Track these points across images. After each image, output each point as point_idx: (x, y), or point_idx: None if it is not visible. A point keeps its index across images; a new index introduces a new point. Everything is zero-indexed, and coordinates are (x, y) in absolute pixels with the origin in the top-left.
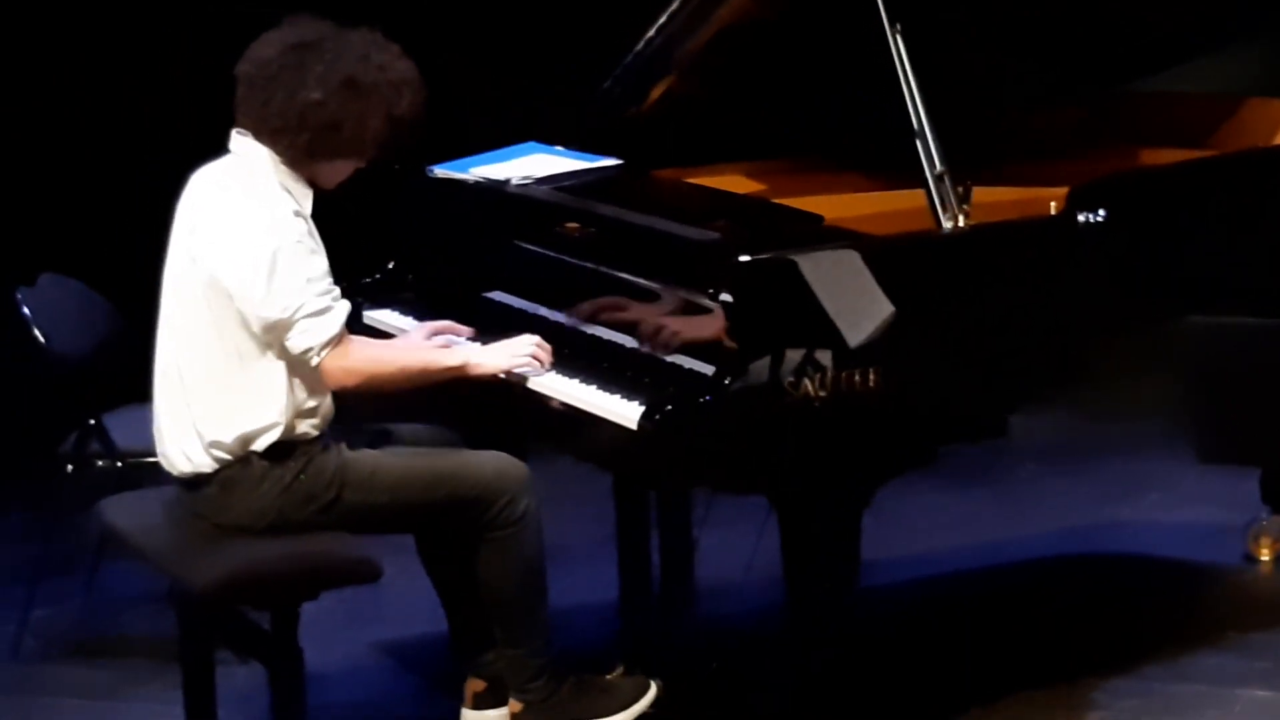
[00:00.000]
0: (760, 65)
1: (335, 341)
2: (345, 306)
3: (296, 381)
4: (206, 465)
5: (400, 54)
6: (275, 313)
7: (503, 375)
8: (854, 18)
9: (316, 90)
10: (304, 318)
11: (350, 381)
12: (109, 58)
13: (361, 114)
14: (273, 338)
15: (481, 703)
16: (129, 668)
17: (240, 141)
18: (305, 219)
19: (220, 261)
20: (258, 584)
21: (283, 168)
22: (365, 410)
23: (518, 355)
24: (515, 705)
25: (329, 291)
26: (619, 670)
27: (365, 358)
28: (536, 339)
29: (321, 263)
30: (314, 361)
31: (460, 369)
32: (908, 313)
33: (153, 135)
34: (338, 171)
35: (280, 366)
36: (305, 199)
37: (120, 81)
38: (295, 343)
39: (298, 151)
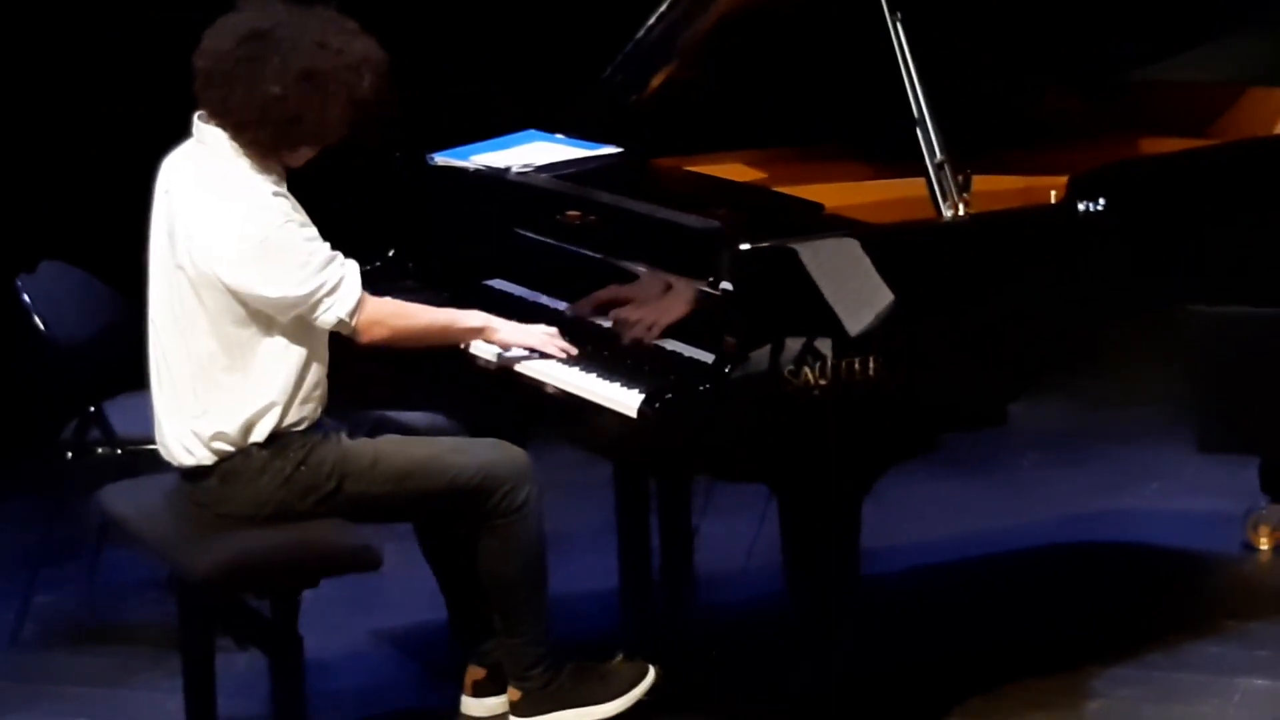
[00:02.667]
0: (761, 53)
1: (361, 303)
2: (354, 266)
3: (294, 360)
4: (206, 458)
5: (358, 31)
6: (290, 291)
7: (511, 352)
8: (855, 5)
9: (275, 84)
10: (324, 295)
11: (381, 334)
12: (109, 44)
13: (322, 104)
14: (293, 319)
15: (481, 690)
16: (130, 654)
17: (204, 129)
18: (285, 195)
19: (214, 262)
20: (258, 571)
21: (248, 156)
22: (365, 398)
23: (537, 338)
24: (514, 693)
25: (333, 258)
26: (619, 658)
27: (392, 311)
28: (555, 330)
29: (313, 233)
30: (349, 329)
31: (480, 331)
32: (908, 301)
33: (153, 122)
34: (302, 155)
35: (277, 347)
36: (278, 179)
37: (120, 68)
38: (325, 320)
39: (261, 145)
